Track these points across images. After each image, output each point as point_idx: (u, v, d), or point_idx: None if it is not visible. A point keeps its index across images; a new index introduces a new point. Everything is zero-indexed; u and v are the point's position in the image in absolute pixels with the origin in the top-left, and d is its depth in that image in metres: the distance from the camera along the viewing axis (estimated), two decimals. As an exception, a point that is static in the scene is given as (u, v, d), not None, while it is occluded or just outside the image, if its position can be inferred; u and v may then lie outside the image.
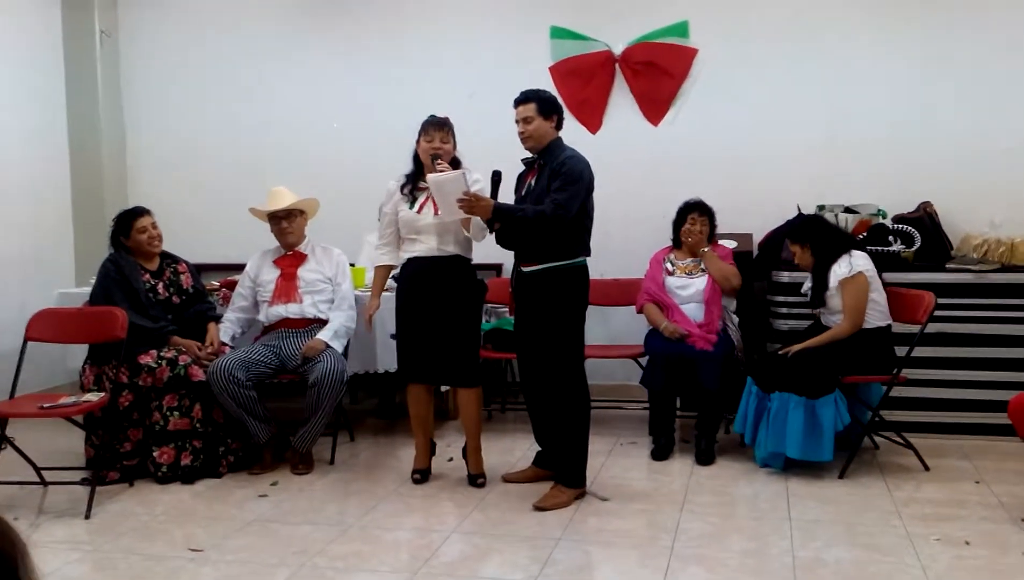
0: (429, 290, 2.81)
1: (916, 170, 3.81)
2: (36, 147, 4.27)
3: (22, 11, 4.22)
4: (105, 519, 2.66)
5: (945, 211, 3.72)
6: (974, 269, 3.40)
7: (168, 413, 2.99)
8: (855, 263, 2.96)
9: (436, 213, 2.74)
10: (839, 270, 2.96)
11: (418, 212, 2.83)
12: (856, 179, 3.87)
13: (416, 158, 2.86)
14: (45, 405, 2.80)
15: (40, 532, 2.57)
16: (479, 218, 2.67)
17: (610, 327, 4.00)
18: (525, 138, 2.71)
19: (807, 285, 3.20)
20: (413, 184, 2.85)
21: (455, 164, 2.79)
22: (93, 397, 2.87)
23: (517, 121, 2.71)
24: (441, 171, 2.63)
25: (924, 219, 3.66)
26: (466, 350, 2.84)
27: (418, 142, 2.84)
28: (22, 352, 3.00)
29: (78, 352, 3.28)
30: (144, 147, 4.67)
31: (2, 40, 4.09)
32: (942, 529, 2.44)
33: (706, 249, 3.35)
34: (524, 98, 2.71)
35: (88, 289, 3.33)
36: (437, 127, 2.79)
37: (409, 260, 2.87)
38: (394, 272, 3.01)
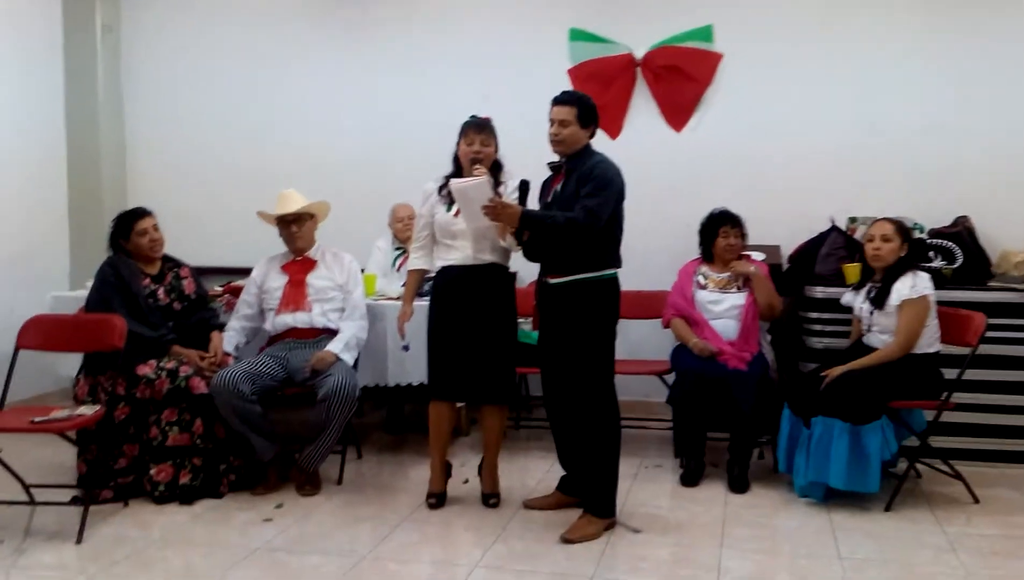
0: (464, 301, 2.66)
1: (949, 182, 3.68)
2: (32, 144, 4.12)
3: (21, 2, 4.06)
4: (98, 543, 2.47)
5: (980, 226, 3.58)
6: (1019, 288, 3.24)
7: (167, 428, 2.80)
8: (921, 284, 2.77)
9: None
10: (902, 289, 2.76)
11: (455, 216, 2.67)
12: (886, 191, 3.73)
13: (456, 160, 2.73)
14: (37, 419, 2.61)
15: (27, 557, 2.38)
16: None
17: (629, 341, 3.81)
18: (557, 141, 2.55)
19: (846, 298, 3.01)
20: None
21: (496, 168, 2.66)
22: (88, 410, 2.68)
23: (551, 120, 2.55)
24: (480, 177, 2.49)
25: (963, 234, 3.51)
26: (502, 365, 2.69)
27: (458, 144, 2.71)
28: (12, 361, 2.80)
29: (70, 359, 3.10)
30: (145, 145, 4.54)
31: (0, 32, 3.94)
32: (1005, 571, 2.27)
33: (754, 269, 3.16)
34: (566, 99, 2.53)
35: (83, 293, 3.16)
36: (477, 129, 2.66)
37: (443, 269, 2.72)
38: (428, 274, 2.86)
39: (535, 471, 3.12)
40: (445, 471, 2.83)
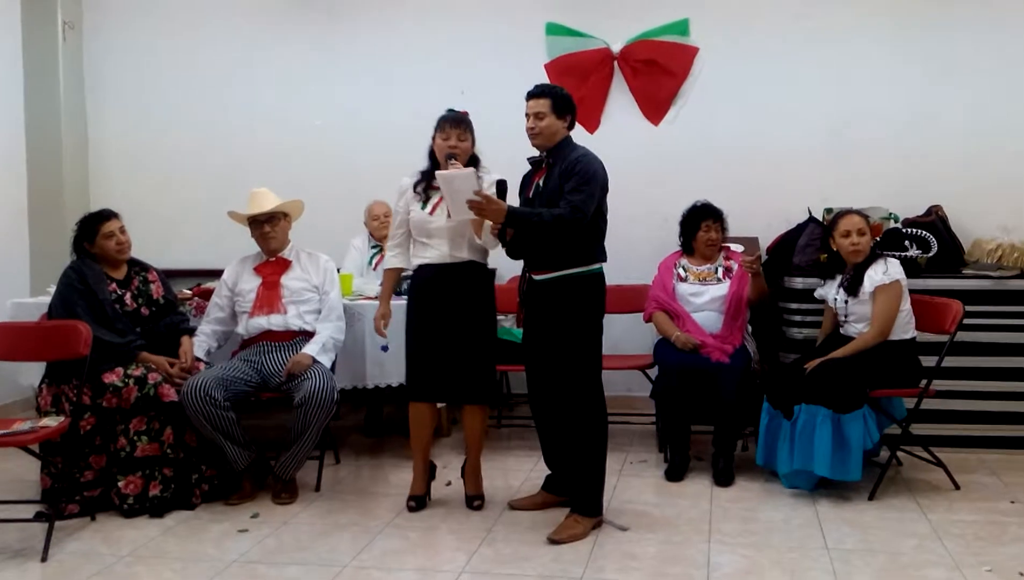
0: (442, 300, 2.60)
1: (922, 172, 3.73)
2: (-12, 144, 3.97)
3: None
4: (64, 561, 2.36)
5: (952, 215, 3.62)
6: (993, 275, 3.28)
7: (135, 438, 2.69)
8: (892, 270, 2.80)
9: (449, 216, 2.53)
10: (875, 275, 2.79)
11: (430, 213, 2.61)
12: (861, 181, 3.77)
13: (432, 155, 2.67)
14: (-4, 432, 2.49)
15: (-13, 579, 2.27)
16: (489, 225, 2.47)
17: (610, 335, 3.77)
18: (534, 135, 2.52)
19: (820, 291, 3.04)
20: (427, 182, 2.65)
21: (473, 163, 2.61)
22: (51, 422, 2.56)
23: (527, 115, 2.52)
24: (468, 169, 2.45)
25: (936, 223, 3.55)
26: (482, 365, 2.63)
27: (434, 139, 2.65)
28: (-31, 371, 2.68)
29: (32, 368, 2.98)
30: (108, 145, 4.39)
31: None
32: (990, 558, 2.28)
33: (758, 269, 3.11)
34: (539, 92, 2.51)
35: (44, 299, 3.04)
36: (454, 124, 2.60)
37: (420, 267, 2.66)
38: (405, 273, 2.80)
39: (519, 471, 3.08)
40: (427, 473, 2.77)
